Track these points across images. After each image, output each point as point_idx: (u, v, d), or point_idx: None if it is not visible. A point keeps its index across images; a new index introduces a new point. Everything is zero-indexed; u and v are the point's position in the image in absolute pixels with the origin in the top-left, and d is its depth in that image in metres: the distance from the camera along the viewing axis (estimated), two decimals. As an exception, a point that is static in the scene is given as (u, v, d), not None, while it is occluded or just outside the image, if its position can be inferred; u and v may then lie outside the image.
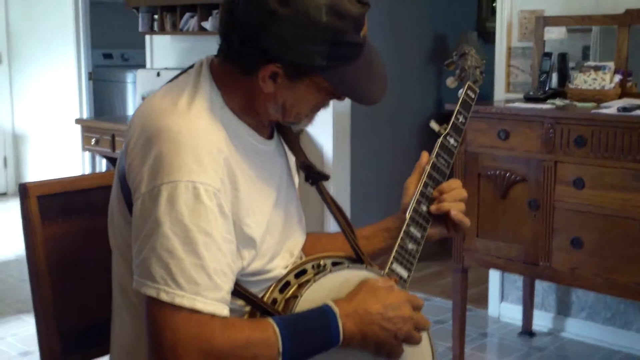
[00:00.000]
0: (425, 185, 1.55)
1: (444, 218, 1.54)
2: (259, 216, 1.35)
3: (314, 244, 1.60)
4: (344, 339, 1.28)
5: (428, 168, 1.56)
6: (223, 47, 1.34)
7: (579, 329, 3.54)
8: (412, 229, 1.50)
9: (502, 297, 3.80)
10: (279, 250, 1.41)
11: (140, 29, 5.13)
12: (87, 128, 5.03)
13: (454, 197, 1.54)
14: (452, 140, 1.61)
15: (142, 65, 5.54)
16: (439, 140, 1.60)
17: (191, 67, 1.40)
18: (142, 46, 5.49)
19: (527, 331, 3.60)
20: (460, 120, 1.63)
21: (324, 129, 4.45)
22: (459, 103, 1.65)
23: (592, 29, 3.40)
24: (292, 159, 1.55)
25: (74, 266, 1.55)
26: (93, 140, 4.96)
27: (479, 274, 4.09)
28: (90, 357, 1.58)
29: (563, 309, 3.61)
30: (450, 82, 1.73)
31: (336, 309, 1.28)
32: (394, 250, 1.47)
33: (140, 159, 1.24)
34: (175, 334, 1.17)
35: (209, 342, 1.18)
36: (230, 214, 1.26)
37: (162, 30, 5.03)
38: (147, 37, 5.37)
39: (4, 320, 3.78)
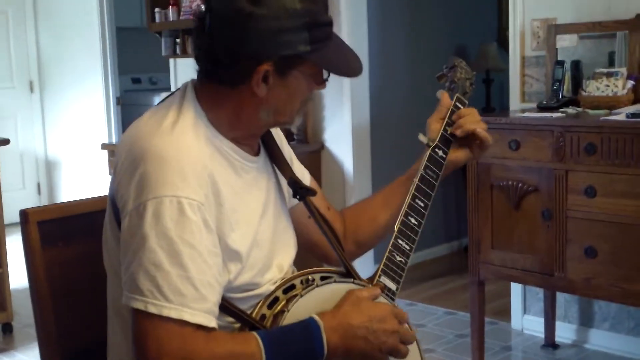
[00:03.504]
0: (414, 197, 1.55)
1: (466, 142, 1.61)
2: (245, 230, 1.37)
3: (358, 220, 1.66)
4: (328, 352, 1.29)
5: (416, 181, 1.57)
6: (204, 68, 1.38)
7: (603, 340, 3.47)
8: (400, 242, 1.50)
9: (525, 310, 3.75)
10: (268, 265, 1.43)
11: (163, 53, 5.22)
12: (113, 153, 5.12)
13: (475, 118, 1.61)
14: (440, 152, 1.61)
15: (169, 89, 5.63)
16: (427, 152, 1.60)
17: (177, 90, 1.43)
18: (168, 69, 5.58)
19: (550, 343, 3.54)
20: (448, 132, 1.64)
21: (344, 144, 4.46)
22: (448, 115, 1.65)
23: (616, 34, 3.35)
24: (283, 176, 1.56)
25: (75, 289, 1.57)
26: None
27: (502, 287, 4.05)
28: (92, 377, 1.60)
29: (586, 320, 3.55)
30: (440, 94, 1.73)
31: (321, 323, 1.30)
32: (382, 263, 1.48)
33: (127, 178, 1.28)
34: (159, 346, 1.20)
35: (192, 354, 1.21)
36: (214, 228, 1.29)
37: (185, 53, 5.11)
38: (171, 60, 5.45)
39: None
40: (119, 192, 1.30)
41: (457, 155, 1.62)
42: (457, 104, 1.67)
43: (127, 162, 1.30)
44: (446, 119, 1.64)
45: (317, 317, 1.30)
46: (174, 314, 1.20)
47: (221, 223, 1.31)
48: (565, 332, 3.58)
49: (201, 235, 1.25)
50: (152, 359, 1.19)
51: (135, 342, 1.23)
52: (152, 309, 1.20)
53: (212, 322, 1.24)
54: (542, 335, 3.58)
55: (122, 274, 1.27)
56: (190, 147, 1.30)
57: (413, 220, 1.53)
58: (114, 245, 1.36)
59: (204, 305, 1.23)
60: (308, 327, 1.29)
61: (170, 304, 1.20)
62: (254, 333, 1.27)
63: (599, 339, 3.48)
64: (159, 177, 1.24)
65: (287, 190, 1.55)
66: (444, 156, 1.61)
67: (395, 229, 1.51)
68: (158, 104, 1.43)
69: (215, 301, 1.26)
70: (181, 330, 1.21)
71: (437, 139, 1.62)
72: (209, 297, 1.24)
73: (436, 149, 1.60)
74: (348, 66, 1.41)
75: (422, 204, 1.55)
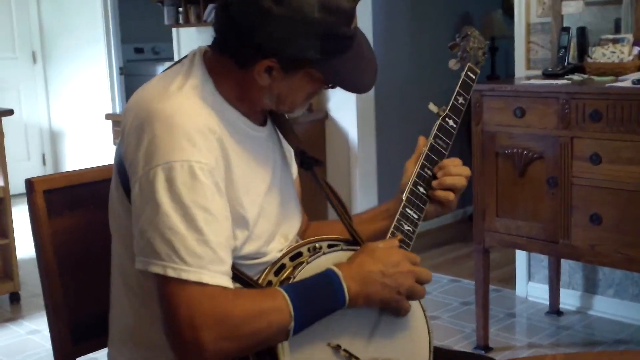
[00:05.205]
0: (423, 166, 1.55)
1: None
2: (253, 197, 1.38)
3: (318, 231, 1.62)
4: (350, 299, 1.31)
5: (426, 150, 1.57)
6: (218, 40, 1.38)
7: (607, 307, 3.49)
8: (409, 210, 1.51)
9: (529, 277, 3.77)
10: (273, 234, 1.44)
11: (166, 22, 5.20)
12: (116, 122, 5.11)
13: (458, 171, 1.53)
14: (451, 122, 1.60)
15: (172, 58, 5.61)
16: (438, 122, 1.60)
17: (185, 57, 1.43)
18: (171, 39, 5.55)
19: (554, 310, 3.56)
20: (459, 101, 1.62)
21: (348, 113, 4.44)
22: (459, 84, 1.64)
23: (622, 0, 3.31)
24: (289, 146, 1.56)
25: (82, 258, 1.59)
26: (123, 134, 5.05)
27: (506, 254, 4.06)
28: (101, 345, 1.61)
29: (590, 287, 3.56)
30: (453, 64, 1.72)
31: (339, 272, 1.32)
32: (390, 232, 1.48)
33: (135, 143, 1.28)
34: (190, 308, 1.20)
35: (224, 312, 1.22)
36: (225, 192, 1.30)
37: (187, 23, 5.08)
38: (174, 29, 5.43)
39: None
40: (127, 157, 1.30)
41: (428, 209, 1.53)
42: (469, 73, 1.65)
43: (134, 126, 1.30)
44: (457, 89, 1.63)
45: (334, 268, 1.32)
46: (192, 276, 1.21)
47: (230, 188, 1.32)
48: (569, 299, 3.60)
49: (214, 198, 1.25)
50: (185, 322, 1.19)
51: (162, 307, 1.23)
52: (171, 272, 1.21)
53: (230, 284, 1.25)
54: (547, 302, 3.60)
55: (135, 239, 1.27)
56: (197, 111, 1.30)
57: (422, 190, 1.53)
58: (120, 210, 1.37)
59: (222, 267, 1.24)
60: (328, 277, 1.31)
61: (189, 267, 1.21)
62: (278, 288, 1.28)
63: (603, 305, 3.50)
64: (167, 142, 1.25)
65: (292, 160, 1.56)
66: (455, 126, 1.60)
67: (404, 198, 1.51)
68: (165, 69, 1.43)
69: (231, 263, 1.28)
70: (208, 291, 1.21)
71: (448, 108, 1.61)
72: (226, 259, 1.26)
73: (446, 119, 1.60)
74: (357, 82, 1.41)
75: (431, 173, 1.55)
